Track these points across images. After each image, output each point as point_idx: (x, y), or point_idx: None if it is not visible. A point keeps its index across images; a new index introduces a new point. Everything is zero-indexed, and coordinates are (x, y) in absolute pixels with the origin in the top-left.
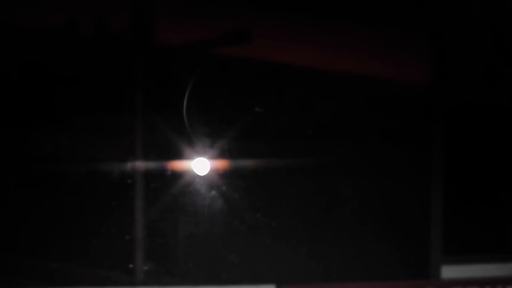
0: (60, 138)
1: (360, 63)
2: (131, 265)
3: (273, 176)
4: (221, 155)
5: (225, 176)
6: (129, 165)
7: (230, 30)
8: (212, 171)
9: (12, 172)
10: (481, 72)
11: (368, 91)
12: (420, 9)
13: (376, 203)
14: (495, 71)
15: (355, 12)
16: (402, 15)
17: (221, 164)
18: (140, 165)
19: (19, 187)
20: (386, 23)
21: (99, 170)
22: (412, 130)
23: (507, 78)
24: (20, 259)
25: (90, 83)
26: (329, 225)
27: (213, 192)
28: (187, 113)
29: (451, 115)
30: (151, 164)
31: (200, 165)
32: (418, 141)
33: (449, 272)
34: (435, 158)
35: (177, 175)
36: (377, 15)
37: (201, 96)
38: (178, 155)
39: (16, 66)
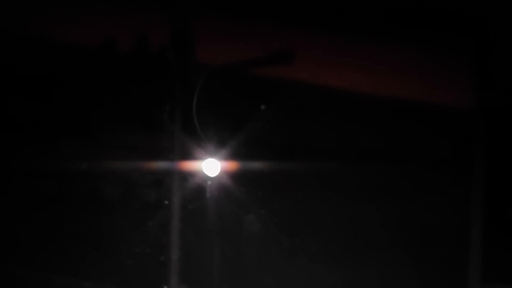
0: (95, 157)
1: (401, 86)
2: (164, 287)
3: (314, 201)
4: (258, 181)
5: (262, 200)
6: (166, 185)
7: (272, 50)
8: (248, 194)
9: (46, 190)
10: None
11: (409, 114)
12: (464, 30)
13: (415, 228)
14: None
15: (396, 32)
16: (445, 36)
17: (257, 189)
18: (177, 185)
19: (54, 205)
20: (428, 44)
21: (134, 190)
22: (453, 155)
23: None
24: (52, 277)
25: (128, 102)
26: (366, 250)
27: (250, 216)
28: (222, 136)
29: (493, 141)
30: (187, 185)
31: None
32: (459, 166)
33: None
34: (475, 185)
35: (214, 197)
36: (419, 36)
37: (239, 117)
38: (216, 177)
39: (53, 83)
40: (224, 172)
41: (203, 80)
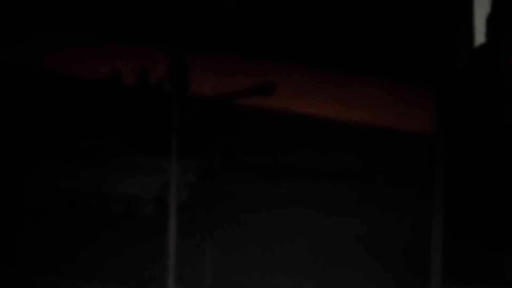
0: (101, 177)
1: (371, 113)
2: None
3: (290, 217)
4: (242, 200)
5: (257, 215)
6: (163, 201)
7: (255, 83)
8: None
9: (57, 209)
10: (485, 124)
11: (376, 139)
12: (424, 62)
13: (381, 238)
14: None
15: (366, 64)
16: (409, 67)
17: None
18: (173, 202)
19: (63, 223)
20: (395, 75)
21: (135, 207)
22: (417, 174)
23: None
24: (51, 279)
25: (130, 128)
26: (335, 260)
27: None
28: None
29: (452, 163)
30: (184, 201)
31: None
32: (422, 183)
33: None
34: (436, 199)
35: (208, 213)
36: (387, 68)
37: (225, 142)
38: (208, 194)
39: (58, 112)
40: (210, 191)
41: (194, 111)
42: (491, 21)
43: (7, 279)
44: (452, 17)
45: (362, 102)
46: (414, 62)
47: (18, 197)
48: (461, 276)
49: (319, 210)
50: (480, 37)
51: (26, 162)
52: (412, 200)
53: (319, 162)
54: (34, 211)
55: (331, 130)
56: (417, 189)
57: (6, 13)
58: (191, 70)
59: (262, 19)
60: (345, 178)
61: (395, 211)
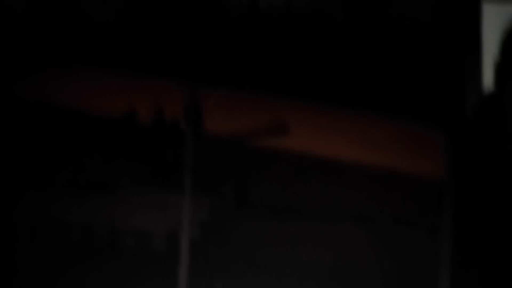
0: (115, 212)
1: (381, 156)
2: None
3: (303, 255)
4: (256, 238)
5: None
6: (175, 238)
7: (269, 124)
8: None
9: (67, 242)
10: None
11: (386, 182)
12: (435, 107)
13: (391, 279)
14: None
15: (379, 108)
16: (420, 112)
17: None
18: (185, 238)
19: (74, 258)
20: (407, 119)
21: (147, 243)
22: (425, 217)
23: None
24: None
25: (144, 164)
26: None
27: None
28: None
29: (460, 207)
30: (196, 238)
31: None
32: (429, 227)
33: None
34: (444, 243)
35: (219, 251)
36: (399, 112)
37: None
38: (220, 232)
39: (73, 147)
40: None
41: (210, 148)
42: (499, 68)
43: None
44: (461, 62)
45: (373, 144)
46: (425, 106)
47: (30, 230)
48: None
49: (329, 249)
50: (488, 84)
51: (38, 195)
52: (420, 242)
53: (329, 203)
54: (46, 244)
55: (342, 171)
56: (425, 231)
57: (22, 48)
58: (205, 108)
59: (275, 59)
60: (354, 219)
61: (404, 253)
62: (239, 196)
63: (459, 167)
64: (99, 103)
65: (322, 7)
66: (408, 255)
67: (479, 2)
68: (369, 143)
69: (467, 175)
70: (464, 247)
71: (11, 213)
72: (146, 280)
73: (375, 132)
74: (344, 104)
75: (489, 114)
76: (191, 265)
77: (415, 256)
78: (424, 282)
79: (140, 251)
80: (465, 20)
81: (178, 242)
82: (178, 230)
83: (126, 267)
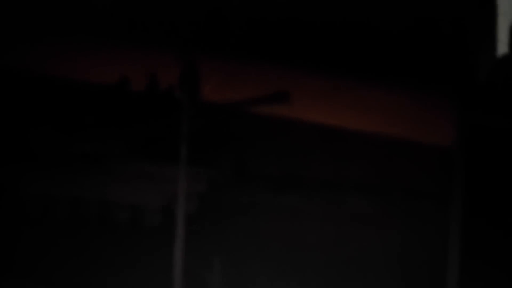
0: (105, 185)
1: (388, 124)
2: None
3: (305, 229)
4: (255, 210)
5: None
6: (170, 211)
7: (270, 91)
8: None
9: (59, 215)
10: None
11: (393, 150)
12: (445, 71)
13: (398, 253)
14: None
15: (384, 72)
16: (429, 76)
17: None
18: (181, 212)
19: (63, 233)
20: (414, 84)
21: (140, 217)
22: (434, 187)
23: None
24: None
25: (138, 135)
26: (354, 275)
27: (250, 237)
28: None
29: (471, 177)
30: (192, 211)
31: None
32: (439, 197)
33: None
34: (454, 213)
35: (216, 224)
36: (406, 77)
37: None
38: (217, 205)
39: (62, 117)
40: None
41: (205, 118)
42: None
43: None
44: (475, 26)
45: (378, 111)
46: (434, 70)
47: (18, 204)
48: None
49: (331, 222)
50: (502, 47)
51: (27, 168)
52: (428, 214)
53: (332, 173)
54: (34, 219)
55: (346, 139)
56: (435, 203)
57: (13, 17)
58: (202, 76)
59: (277, 25)
60: (359, 190)
61: (411, 226)
62: (238, 167)
63: (471, 134)
64: (92, 74)
65: None
66: (416, 228)
67: None
68: (375, 111)
69: (479, 142)
70: (476, 217)
71: None
72: (139, 256)
73: (380, 98)
74: (348, 71)
75: (503, 78)
76: (187, 240)
77: (423, 229)
78: (432, 257)
79: (132, 225)
80: None
81: (173, 216)
82: (173, 204)
83: (117, 243)
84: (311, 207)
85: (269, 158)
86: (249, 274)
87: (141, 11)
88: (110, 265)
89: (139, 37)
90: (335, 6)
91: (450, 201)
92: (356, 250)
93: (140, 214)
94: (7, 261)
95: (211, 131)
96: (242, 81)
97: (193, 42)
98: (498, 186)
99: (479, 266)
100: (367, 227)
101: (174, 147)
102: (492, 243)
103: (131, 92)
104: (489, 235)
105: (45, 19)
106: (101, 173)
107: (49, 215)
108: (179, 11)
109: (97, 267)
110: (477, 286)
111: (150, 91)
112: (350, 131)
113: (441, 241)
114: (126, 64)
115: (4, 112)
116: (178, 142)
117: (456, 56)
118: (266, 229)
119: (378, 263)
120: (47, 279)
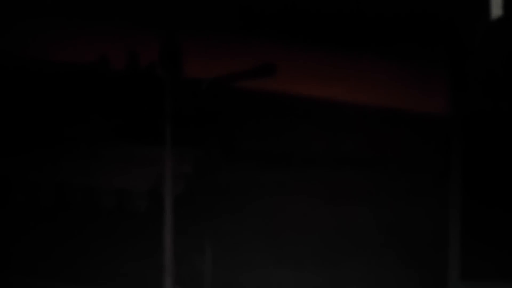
0: (90, 167)
1: (380, 96)
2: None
3: (298, 206)
4: (245, 187)
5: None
6: (157, 194)
7: (255, 64)
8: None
9: (47, 198)
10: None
11: (388, 122)
12: (438, 42)
13: (396, 229)
14: None
15: (376, 43)
16: (422, 45)
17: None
18: (169, 194)
19: (48, 219)
20: (405, 56)
21: (127, 202)
22: (432, 158)
23: None
24: (52, 284)
25: (120, 116)
26: (351, 251)
27: (240, 217)
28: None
29: (469, 143)
30: (180, 194)
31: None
32: (437, 169)
33: None
34: (453, 185)
35: (206, 206)
36: (397, 49)
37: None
38: (205, 186)
39: (47, 99)
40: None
41: (191, 94)
42: None
43: None
44: None
45: (370, 82)
46: (426, 39)
47: (2, 190)
48: (479, 269)
49: (324, 200)
50: (496, 11)
51: (9, 152)
52: (427, 188)
53: (324, 148)
54: (18, 204)
55: (337, 112)
56: (432, 176)
57: None
58: (185, 52)
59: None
60: (353, 164)
61: (408, 201)
62: (225, 145)
63: (467, 102)
64: (68, 53)
65: None
66: (413, 204)
67: None
68: (367, 82)
69: (476, 110)
70: (476, 193)
71: None
72: (127, 242)
73: (372, 69)
74: (336, 41)
75: (498, 43)
76: (176, 224)
77: (421, 205)
78: (432, 234)
79: (119, 210)
80: None
81: (160, 199)
82: (160, 187)
83: (104, 229)
84: (303, 184)
85: (258, 135)
86: (241, 257)
87: None
88: (96, 252)
89: (118, 15)
90: None
91: (449, 171)
92: (352, 229)
93: (126, 199)
94: None
95: (196, 109)
96: (226, 56)
97: (175, 18)
98: (498, 157)
99: (480, 242)
100: (362, 204)
101: (158, 128)
102: (493, 218)
103: (110, 71)
104: (490, 206)
105: (23, 1)
106: (84, 158)
107: (31, 201)
108: None
109: (83, 254)
110: (478, 251)
111: (130, 70)
112: (341, 103)
113: (440, 217)
114: (105, 43)
115: None
116: (162, 122)
117: (449, 21)
118: (256, 210)
119: (375, 241)
120: (33, 265)
